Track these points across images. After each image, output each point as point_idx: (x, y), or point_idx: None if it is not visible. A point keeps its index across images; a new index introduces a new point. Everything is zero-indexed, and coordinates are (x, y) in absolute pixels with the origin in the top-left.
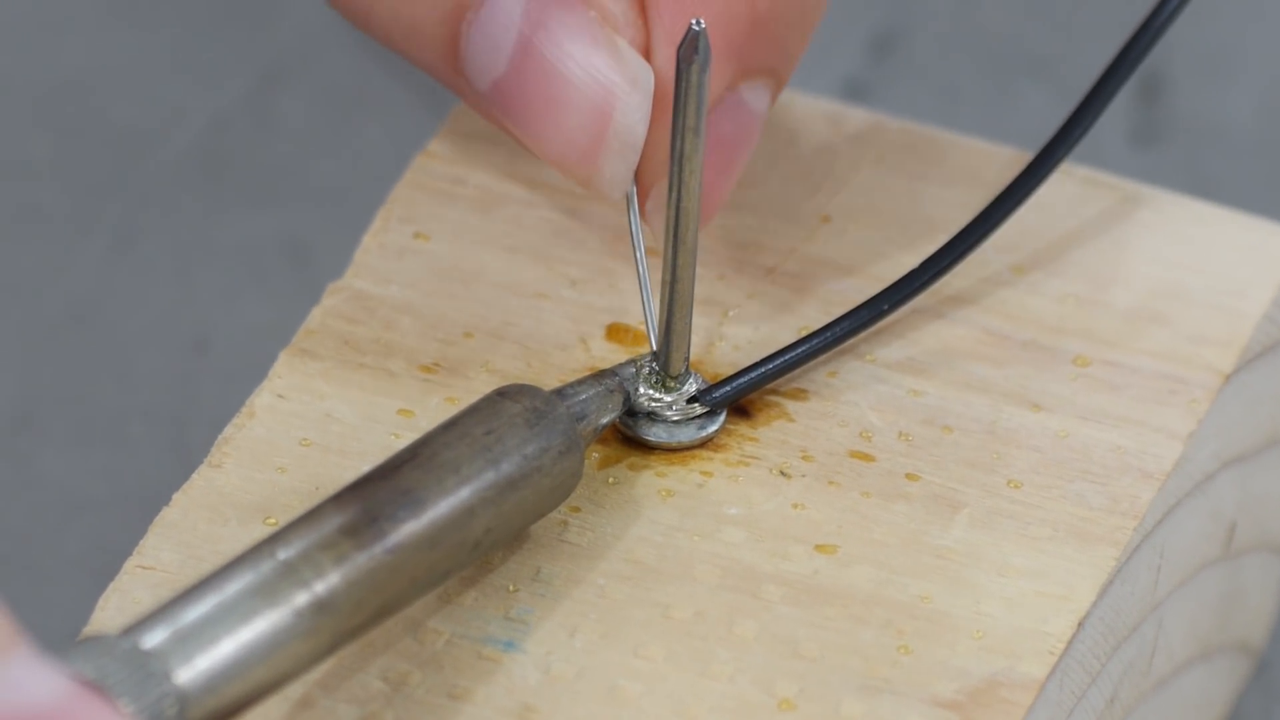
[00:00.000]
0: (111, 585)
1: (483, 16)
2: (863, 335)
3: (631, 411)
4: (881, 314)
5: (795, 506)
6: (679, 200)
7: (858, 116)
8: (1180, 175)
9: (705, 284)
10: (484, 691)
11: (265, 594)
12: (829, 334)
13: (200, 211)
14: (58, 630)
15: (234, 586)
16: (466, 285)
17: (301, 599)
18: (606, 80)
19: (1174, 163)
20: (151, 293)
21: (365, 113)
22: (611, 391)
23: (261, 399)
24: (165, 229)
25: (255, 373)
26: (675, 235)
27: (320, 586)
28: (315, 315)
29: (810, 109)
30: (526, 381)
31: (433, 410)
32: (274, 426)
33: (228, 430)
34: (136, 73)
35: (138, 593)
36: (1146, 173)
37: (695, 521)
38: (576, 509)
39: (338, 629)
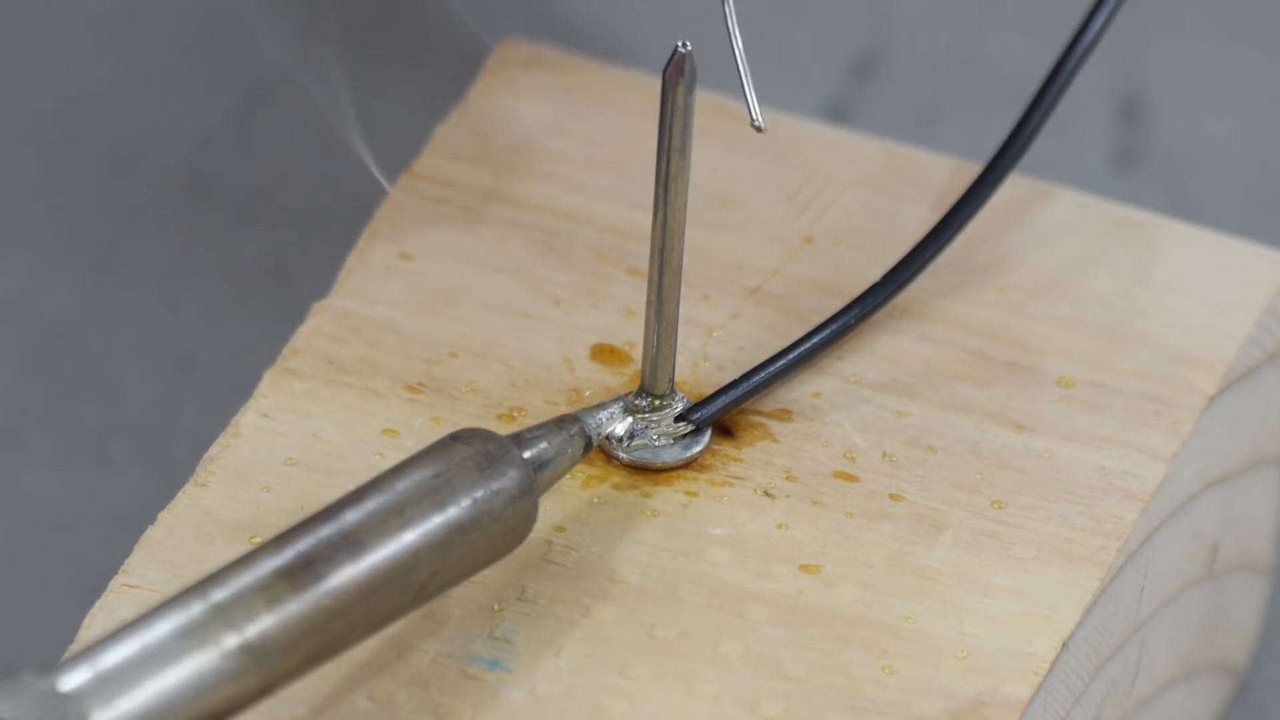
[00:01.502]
0: (97, 604)
1: None
2: (846, 356)
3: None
4: (849, 327)
5: (780, 527)
6: (665, 221)
7: (840, 137)
8: (1162, 197)
9: (689, 305)
10: (470, 711)
11: (193, 635)
12: (802, 348)
13: (185, 231)
14: (43, 649)
15: (162, 628)
16: (451, 305)
17: (230, 641)
18: None
19: (1155, 185)
20: (136, 312)
21: (349, 132)
22: (572, 436)
23: (247, 418)
24: (150, 248)
25: (240, 392)
26: (661, 257)
27: (251, 630)
28: (300, 334)
29: (793, 130)
30: (512, 401)
31: (418, 430)
32: (259, 446)
33: (213, 449)
34: (121, 93)
35: (123, 611)
36: (1128, 195)
37: (680, 542)
38: (561, 529)
39: (269, 673)
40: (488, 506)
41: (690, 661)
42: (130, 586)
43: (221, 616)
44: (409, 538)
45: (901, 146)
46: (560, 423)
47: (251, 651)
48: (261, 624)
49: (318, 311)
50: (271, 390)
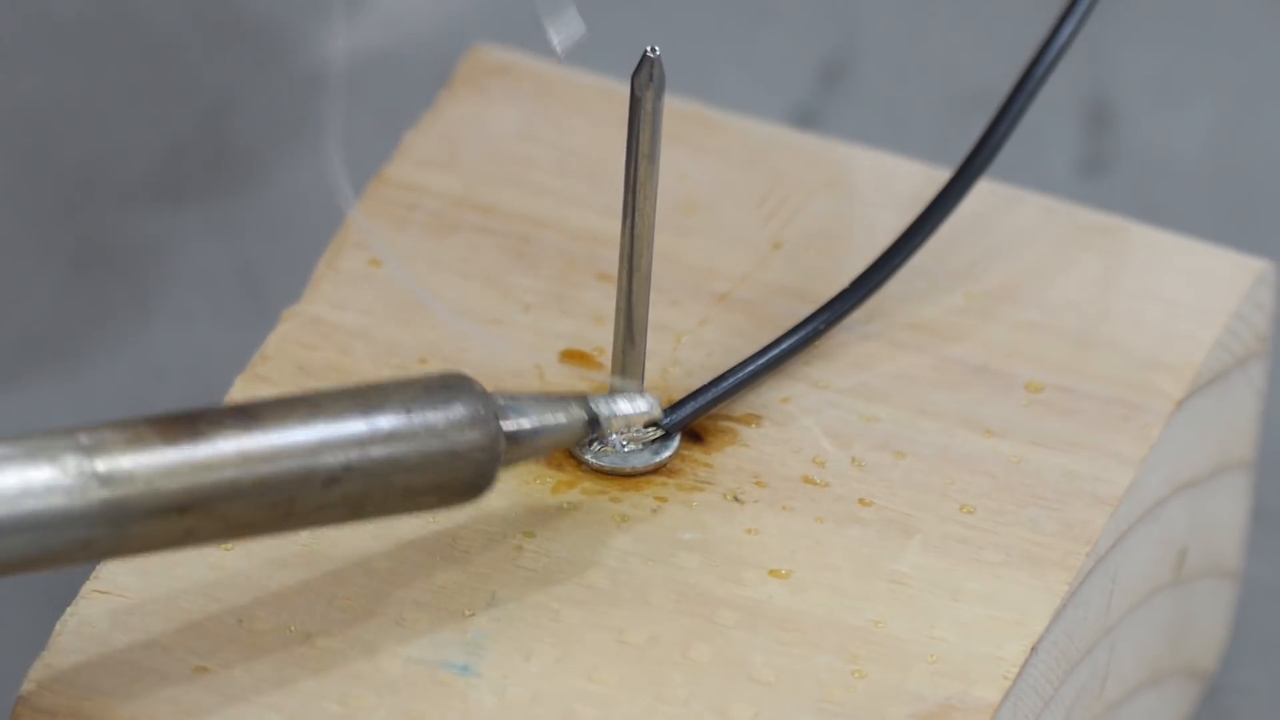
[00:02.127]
0: (69, 610)
1: None
2: (815, 361)
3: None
4: (819, 332)
5: (749, 532)
6: (634, 227)
7: (809, 143)
8: (1130, 204)
9: (659, 310)
10: (440, 715)
11: (36, 455)
12: (772, 353)
13: (155, 238)
14: (14, 656)
15: (10, 449)
16: (420, 311)
17: (74, 465)
18: None
19: (1124, 191)
20: (107, 320)
21: (318, 139)
22: (569, 403)
23: None
24: (120, 256)
25: (211, 399)
26: (630, 262)
27: (103, 463)
28: (271, 341)
29: (761, 135)
30: None
31: None
32: None
33: None
34: (90, 101)
35: (95, 618)
36: (1096, 200)
37: (650, 546)
38: (531, 534)
39: (125, 510)
40: (424, 422)
41: (660, 666)
42: (101, 593)
43: (75, 446)
44: (319, 427)
45: (870, 152)
46: (560, 395)
47: (97, 480)
48: (118, 460)
49: (288, 318)
50: (242, 396)
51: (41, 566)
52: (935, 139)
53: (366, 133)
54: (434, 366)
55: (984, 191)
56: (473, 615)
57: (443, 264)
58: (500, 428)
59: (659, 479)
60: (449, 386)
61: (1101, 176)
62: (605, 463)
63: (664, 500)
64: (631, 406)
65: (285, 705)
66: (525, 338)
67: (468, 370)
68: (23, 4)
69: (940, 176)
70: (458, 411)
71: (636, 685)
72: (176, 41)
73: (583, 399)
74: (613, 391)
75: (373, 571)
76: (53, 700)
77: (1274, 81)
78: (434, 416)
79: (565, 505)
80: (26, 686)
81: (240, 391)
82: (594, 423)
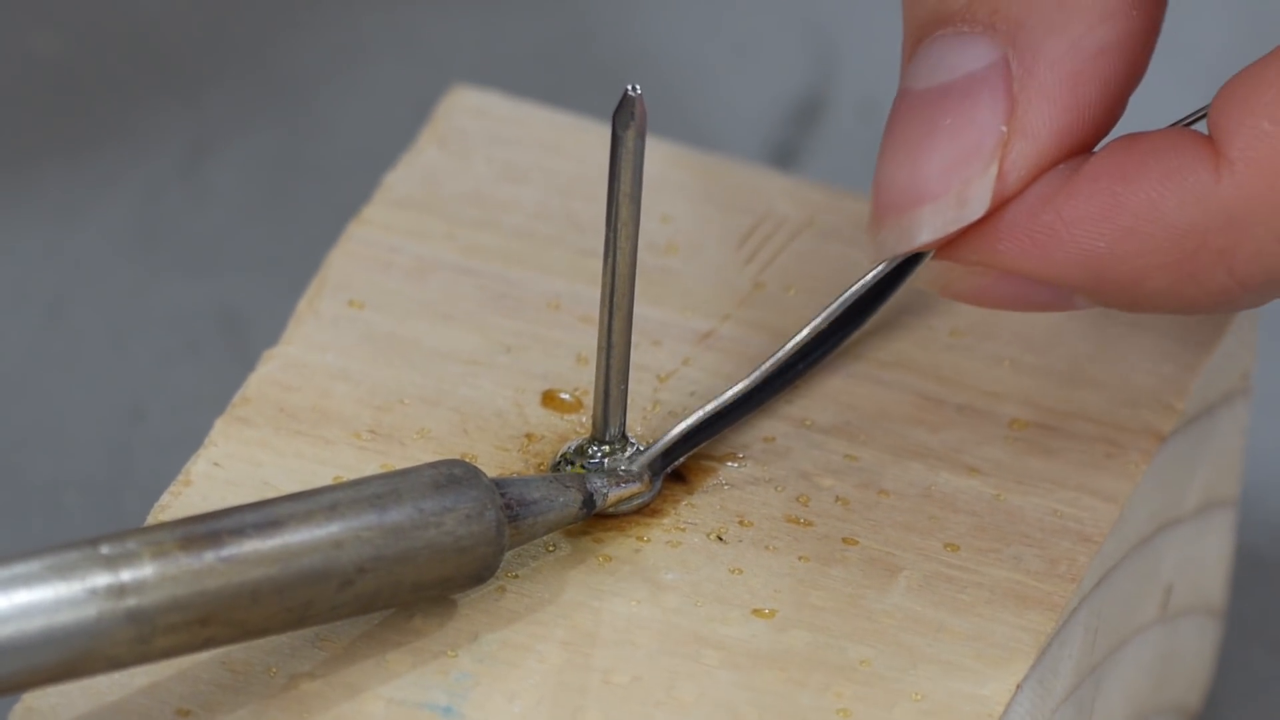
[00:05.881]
0: None
1: None
2: (798, 400)
3: None
4: (800, 372)
5: (733, 571)
6: (615, 267)
7: (791, 183)
8: None
9: (641, 350)
10: None
11: (62, 570)
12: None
13: (133, 280)
14: None
15: (35, 564)
16: (401, 352)
17: (101, 580)
18: None
19: None
20: (85, 362)
21: (297, 180)
22: (567, 487)
23: (198, 466)
24: (98, 298)
25: (190, 441)
26: (611, 302)
27: (128, 574)
28: (251, 382)
29: (743, 175)
30: (464, 448)
31: None
32: (210, 494)
33: (165, 498)
34: (67, 141)
35: None
36: None
37: (633, 586)
38: (515, 575)
39: (143, 630)
40: (435, 518)
41: (644, 706)
42: None
43: (99, 559)
44: (335, 528)
45: (851, 191)
46: (557, 475)
47: (123, 594)
48: (141, 571)
49: (268, 359)
50: (222, 438)
51: (63, 679)
52: None
53: (345, 173)
54: (414, 408)
55: None
56: (456, 656)
57: (423, 306)
58: (504, 520)
59: (641, 519)
60: (457, 480)
61: None
62: None
63: (647, 541)
64: (626, 488)
65: None
66: (506, 379)
67: (449, 412)
68: None
69: None
70: (466, 508)
71: None
72: (153, 81)
73: (580, 481)
74: (608, 470)
75: None
76: None
77: None
78: (444, 515)
79: (548, 546)
80: None
81: (220, 434)
82: (590, 503)
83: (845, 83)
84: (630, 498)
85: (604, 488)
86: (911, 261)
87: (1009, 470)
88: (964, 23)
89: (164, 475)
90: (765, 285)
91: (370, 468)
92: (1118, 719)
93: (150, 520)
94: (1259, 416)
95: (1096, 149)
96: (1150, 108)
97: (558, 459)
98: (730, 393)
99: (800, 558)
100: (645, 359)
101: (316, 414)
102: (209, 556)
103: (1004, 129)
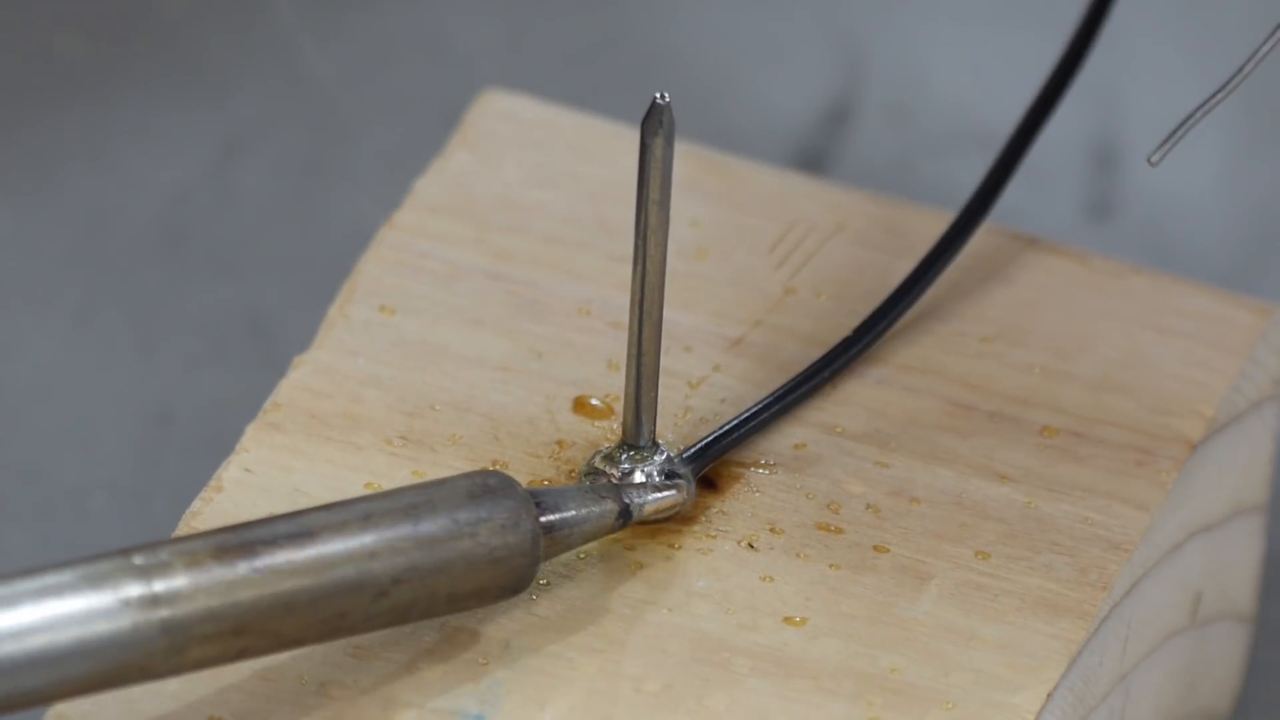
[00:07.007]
0: None
1: None
2: (828, 407)
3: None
4: (829, 378)
5: (764, 579)
6: (644, 273)
7: (822, 188)
8: (1139, 246)
9: (671, 356)
10: None
11: (95, 580)
12: (785, 398)
13: (162, 284)
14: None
15: (67, 575)
16: (432, 358)
17: (134, 591)
18: None
19: (1132, 234)
20: (114, 366)
21: (325, 184)
22: (603, 498)
23: (229, 472)
24: (127, 302)
25: (218, 446)
26: (641, 309)
27: (161, 585)
28: (282, 388)
29: (773, 180)
30: (494, 454)
31: (400, 483)
32: (242, 500)
33: (196, 504)
34: (96, 146)
35: None
36: (1105, 245)
37: (664, 594)
38: (545, 582)
39: (184, 634)
40: (471, 530)
41: (675, 714)
42: None
43: (131, 569)
44: (369, 538)
45: (883, 196)
46: (593, 485)
47: (156, 604)
48: (175, 582)
49: (299, 365)
50: (254, 444)
51: (95, 691)
52: (938, 182)
53: (373, 177)
54: (445, 414)
55: (999, 237)
56: (487, 664)
57: (454, 311)
58: (540, 531)
59: (673, 526)
60: (492, 491)
61: (1110, 220)
62: None
63: (678, 548)
64: (661, 497)
65: None
66: (537, 385)
67: (480, 418)
68: None
69: (951, 219)
70: (501, 519)
71: None
72: (181, 84)
73: (616, 491)
74: (643, 480)
75: None
76: None
77: None
78: (479, 525)
79: (580, 554)
80: None
81: (252, 440)
82: (626, 514)
83: (874, 87)
84: (668, 509)
85: (640, 499)
86: (938, 265)
87: (1039, 477)
88: None
89: (191, 479)
90: (796, 290)
91: (402, 474)
92: None
93: (182, 526)
94: None
95: None
96: (1168, 105)
97: (588, 465)
98: (767, 398)
99: (831, 565)
100: (676, 365)
101: (347, 420)
102: (242, 567)
103: None
